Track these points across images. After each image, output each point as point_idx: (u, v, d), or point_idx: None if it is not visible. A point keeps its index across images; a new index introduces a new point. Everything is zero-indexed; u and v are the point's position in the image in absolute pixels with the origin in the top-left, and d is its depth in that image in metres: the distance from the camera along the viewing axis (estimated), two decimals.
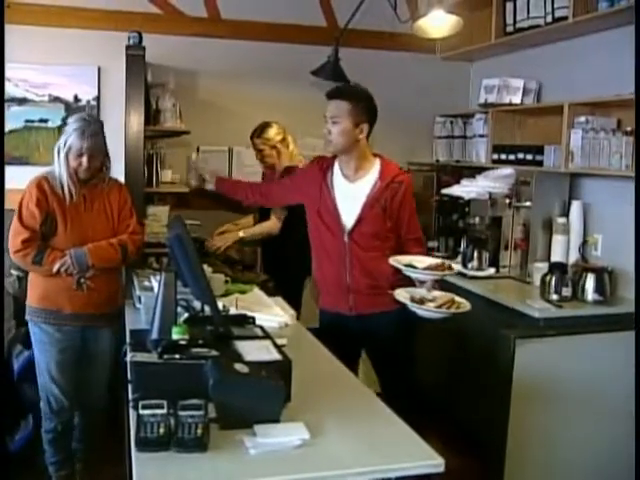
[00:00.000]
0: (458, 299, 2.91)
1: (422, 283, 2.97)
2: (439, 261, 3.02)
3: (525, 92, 4.45)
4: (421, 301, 2.87)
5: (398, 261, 2.96)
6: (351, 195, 3.09)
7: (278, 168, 4.27)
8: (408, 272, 2.90)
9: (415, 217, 3.20)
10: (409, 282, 2.99)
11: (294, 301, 3.64)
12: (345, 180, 3.13)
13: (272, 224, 4.21)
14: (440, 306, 2.84)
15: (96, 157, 3.13)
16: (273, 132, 4.26)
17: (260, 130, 4.29)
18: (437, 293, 2.96)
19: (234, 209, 4.84)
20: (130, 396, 1.92)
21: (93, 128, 3.11)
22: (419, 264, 2.97)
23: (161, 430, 1.74)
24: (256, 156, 4.39)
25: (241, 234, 4.22)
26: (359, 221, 3.06)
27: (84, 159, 3.08)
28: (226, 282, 3.33)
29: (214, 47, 4.79)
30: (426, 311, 2.84)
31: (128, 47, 3.80)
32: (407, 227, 3.15)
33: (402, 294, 2.92)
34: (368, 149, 3.13)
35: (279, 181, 3.76)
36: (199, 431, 1.75)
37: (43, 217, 3.08)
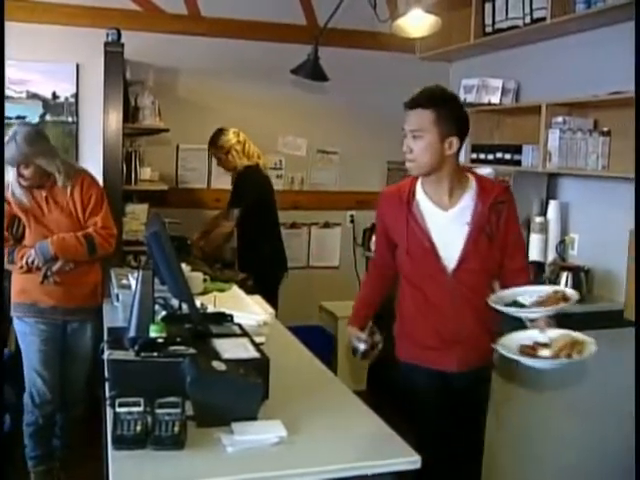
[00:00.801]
0: (579, 336, 2.28)
1: (533, 322, 2.39)
2: (550, 289, 2.43)
3: (504, 92, 4.47)
4: (534, 349, 2.24)
5: (500, 299, 2.40)
6: (448, 226, 2.52)
7: (239, 169, 4.31)
8: (513, 313, 2.35)
9: (522, 240, 2.72)
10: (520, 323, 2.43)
11: (271, 298, 3.64)
12: (437, 208, 2.55)
13: (221, 226, 4.32)
14: (558, 354, 2.19)
15: (26, 167, 3.11)
16: (225, 138, 4.33)
17: (213, 138, 4.36)
18: (554, 333, 2.31)
19: (215, 205, 4.85)
20: (107, 394, 1.91)
21: (18, 139, 3.07)
22: (526, 298, 2.40)
23: (138, 428, 1.74)
24: (217, 164, 4.47)
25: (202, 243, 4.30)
26: (464, 257, 2.49)
27: (22, 169, 3.11)
28: (205, 280, 3.33)
29: (194, 45, 4.77)
30: (543, 362, 2.20)
31: (107, 44, 3.79)
32: (512, 253, 2.59)
33: (507, 344, 2.29)
34: (460, 167, 2.60)
35: (379, 249, 2.93)
36: (176, 429, 1.75)
37: (9, 221, 3.18)
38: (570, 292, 2.38)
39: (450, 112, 2.49)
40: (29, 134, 3.10)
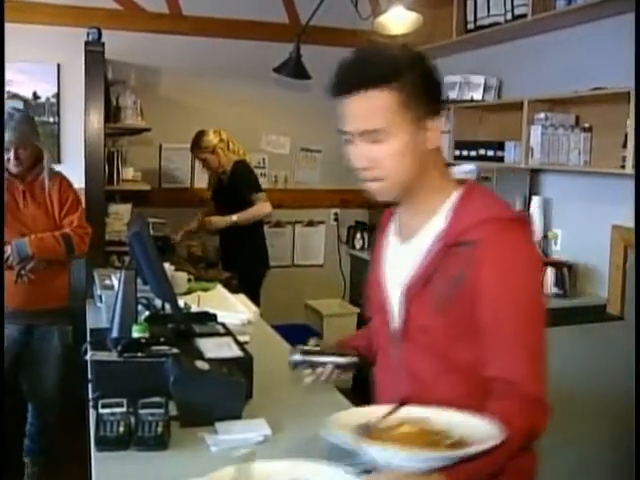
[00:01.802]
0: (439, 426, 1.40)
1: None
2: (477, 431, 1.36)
3: (486, 89, 4.48)
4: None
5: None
6: (402, 264, 1.63)
7: (227, 167, 4.30)
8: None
9: (507, 334, 1.45)
10: None
11: (253, 296, 3.65)
12: (396, 236, 1.73)
13: (262, 206, 4.28)
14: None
15: (24, 149, 3.12)
16: (207, 138, 4.33)
17: (195, 140, 4.35)
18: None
19: (199, 204, 4.85)
20: (90, 395, 1.90)
21: (16, 119, 3.10)
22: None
23: (121, 429, 1.72)
24: (202, 166, 4.47)
25: (234, 218, 4.25)
26: (407, 312, 1.59)
27: (11, 153, 3.08)
28: (189, 280, 3.32)
29: (175, 44, 4.76)
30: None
31: (87, 43, 3.77)
32: (487, 348, 1.46)
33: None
34: (443, 169, 1.63)
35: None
36: (159, 429, 1.73)
37: None
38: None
39: (422, 79, 1.51)
40: (25, 116, 3.19)
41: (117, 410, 1.76)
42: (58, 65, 4.51)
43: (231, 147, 4.35)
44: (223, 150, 4.31)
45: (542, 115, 3.75)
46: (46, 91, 4.51)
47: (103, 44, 3.78)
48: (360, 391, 2.91)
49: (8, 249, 3.09)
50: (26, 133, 3.11)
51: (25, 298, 3.15)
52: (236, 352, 2.12)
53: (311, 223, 5.37)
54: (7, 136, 3.04)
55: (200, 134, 4.34)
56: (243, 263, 4.21)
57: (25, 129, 3.11)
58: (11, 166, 3.11)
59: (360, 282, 5.14)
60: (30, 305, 3.17)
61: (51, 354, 3.34)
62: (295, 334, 3.12)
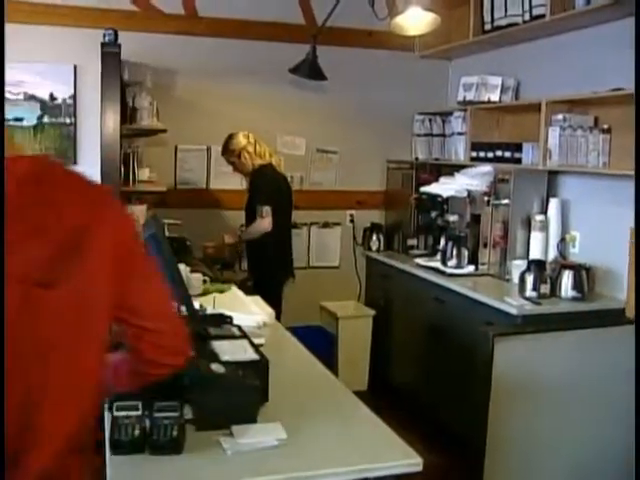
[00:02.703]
0: None
1: None
2: None
3: (503, 90, 4.46)
4: None
5: None
6: None
7: (253, 170, 4.29)
8: None
9: None
10: None
11: (275, 300, 3.63)
12: None
13: (259, 223, 4.20)
14: None
15: None
16: (235, 141, 4.32)
17: (224, 144, 4.36)
18: None
19: (214, 205, 4.85)
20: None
21: None
22: None
23: (136, 432, 1.72)
24: (233, 169, 4.46)
25: (238, 232, 4.29)
26: None
27: None
28: (204, 282, 3.32)
29: (191, 45, 4.76)
30: None
31: (103, 45, 3.77)
32: None
33: None
34: None
35: None
36: (174, 433, 1.73)
37: None
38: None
39: None
40: None
41: (132, 413, 1.76)
42: (75, 66, 4.52)
43: (258, 150, 4.32)
44: (250, 154, 4.29)
45: (560, 116, 3.72)
46: (63, 92, 4.52)
47: (119, 45, 3.79)
48: (376, 393, 2.90)
49: None
50: None
51: None
52: (252, 355, 2.11)
53: (327, 224, 5.35)
54: None
55: (229, 137, 4.34)
56: (266, 267, 4.21)
57: None
58: None
59: (376, 284, 5.18)
60: None
61: None
62: (310, 336, 3.12)
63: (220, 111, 4.80)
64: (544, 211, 4.01)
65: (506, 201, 4.05)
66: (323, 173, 5.28)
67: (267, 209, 4.15)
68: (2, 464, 1.23)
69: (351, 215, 5.39)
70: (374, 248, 5.24)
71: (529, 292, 3.62)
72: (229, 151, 4.32)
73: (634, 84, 2.87)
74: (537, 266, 3.65)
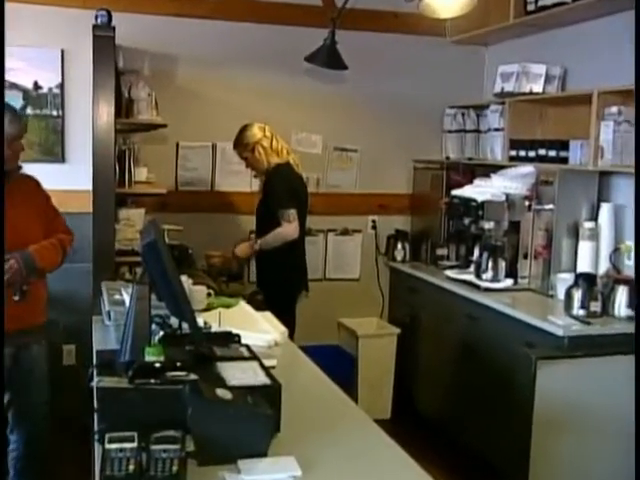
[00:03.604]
0: None
1: None
2: None
3: (548, 79, 4.44)
4: None
5: None
6: None
7: (268, 168, 4.27)
8: None
9: None
10: None
11: (287, 317, 3.62)
12: None
13: (285, 228, 4.16)
14: None
15: (19, 141, 3.16)
16: (249, 134, 4.29)
17: (237, 136, 4.33)
18: None
19: (220, 209, 4.84)
20: (95, 427, 1.88)
21: (12, 107, 3.16)
22: None
23: (130, 467, 1.70)
24: (246, 166, 4.44)
25: (256, 246, 4.21)
26: None
27: (20, 142, 3.12)
28: (209, 295, 3.31)
29: (195, 29, 4.76)
30: None
31: (95, 27, 3.78)
32: None
33: None
34: None
35: None
36: (174, 468, 1.71)
37: None
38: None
39: None
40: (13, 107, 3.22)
41: (126, 445, 1.74)
42: (62, 51, 4.51)
43: (274, 146, 4.30)
44: (265, 149, 4.26)
45: (614, 109, 3.69)
46: (48, 81, 4.50)
47: (113, 28, 3.79)
48: (401, 422, 2.88)
49: (14, 264, 3.01)
50: (24, 124, 3.16)
51: (10, 317, 2.98)
52: (262, 379, 2.10)
53: (345, 231, 5.33)
54: (16, 126, 3.06)
55: (243, 128, 4.32)
56: (277, 281, 4.19)
57: (21, 120, 3.16)
58: (13, 159, 3.11)
59: (401, 299, 5.15)
60: (13, 325, 3.02)
61: (36, 378, 3.32)
62: (327, 357, 3.11)
63: (227, 104, 4.80)
64: (594, 217, 3.97)
65: (550, 206, 4.03)
66: (342, 174, 5.27)
67: (293, 213, 4.13)
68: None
69: (373, 221, 5.38)
70: (399, 258, 5.23)
71: (577, 310, 3.58)
72: (242, 144, 4.31)
73: (634, 83, 2.84)
74: (586, 280, 3.62)
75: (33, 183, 3.33)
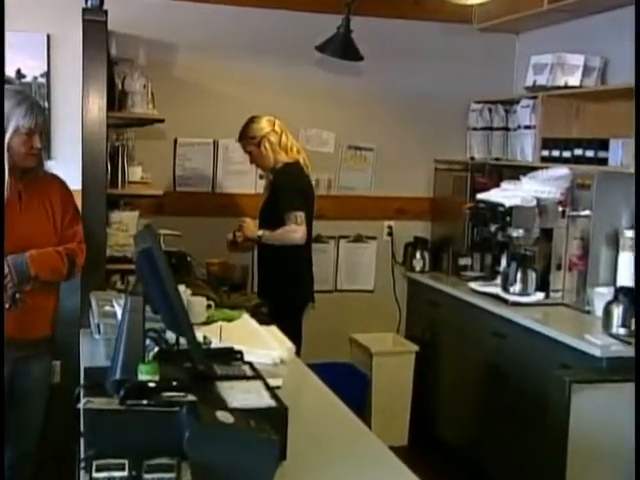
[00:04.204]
0: None
1: None
2: None
3: (586, 71, 4.43)
4: None
5: None
6: None
7: (276, 166, 4.26)
8: None
9: None
10: None
11: (294, 331, 3.61)
12: None
13: (293, 229, 4.14)
14: None
15: (43, 137, 3.16)
16: (257, 126, 4.30)
17: (243, 128, 4.34)
18: None
19: (222, 213, 4.83)
20: (82, 454, 1.87)
21: (35, 100, 3.15)
22: None
23: None
24: (250, 162, 4.45)
25: (260, 232, 4.22)
26: None
27: (36, 139, 3.09)
28: (209, 307, 3.31)
29: (195, 13, 4.78)
30: None
31: (85, 10, 3.78)
32: None
33: None
34: None
35: None
36: None
37: None
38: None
39: None
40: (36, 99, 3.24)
41: (116, 474, 1.74)
42: (48, 36, 4.51)
43: (283, 142, 4.30)
44: (272, 145, 4.26)
45: None
46: (33, 69, 4.50)
47: (106, 12, 3.79)
48: (419, 449, 2.87)
49: (4, 269, 3.02)
50: (46, 120, 3.16)
51: (8, 326, 3.02)
52: (267, 401, 2.10)
53: (359, 238, 5.33)
54: (30, 120, 3.05)
55: (250, 120, 4.33)
56: (281, 292, 4.19)
57: (43, 114, 3.15)
58: (30, 157, 3.11)
59: (419, 313, 5.14)
60: (12, 335, 3.05)
61: (34, 394, 3.33)
62: (338, 376, 3.11)
63: (230, 96, 4.81)
64: (636, 226, 3.94)
65: (586, 212, 4.02)
66: (356, 175, 5.27)
67: (301, 215, 4.12)
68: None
69: (389, 227, 5.38)
70: (417, 268, 5.23)
71: (616, 328, 3.56)
72: (247, 137, 4.31)
73: (634, 81, 2.83)
74: (627, 295, 3.60)
75: (56, 185, 3.32)
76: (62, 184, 3.36)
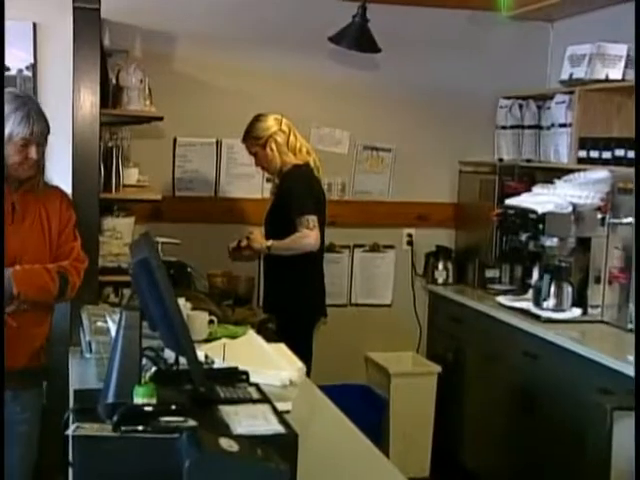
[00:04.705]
0: None
1: None
2: None
3: (629, 63, 4.40)
4: None
5: None
6: None
7: (283, 169, 4.26)
8: None
9: None
10: None
11: (304, 350, 3.62)
12: None
13: (305, 235, 4.13)
14: None
15: (42, 146, 3.16)
16: (263, 125, 4.31)
17: (248, 127, 4.35)
18: None
19: (225, 219, 4.83)
20: None
21: (36, 107, 3.14)
22: None
23: None
24: (255, 164, 4.47)
25: (269, 243, 4.21)
26: None
27: (32, 149, 3.09)
28: (211, 323, 3.31)
29: (196, 1, 4.78)
30: None
31: None
32: None
33: None
34: None
35: None
36: None
37: None
38: None
39: None
40: (35, 100, 3.23)
41: None
42: (34, 25, 4.52)
43: (292, 143, 4.30)
44: (279, 146, 4.27)
45: None
46: (18, 61, 4.50)
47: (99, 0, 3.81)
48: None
49: None
50: (47, 129, 3.15)
51: None
52: (275, 427, 2.08)
53: (376, 247, 5.34)
54: (27, 128, 3.06)
55: (255, 119, 4.34)
56: (290, 305, 4.19)
57: (46, 123, 3.15)
58: (26, 168, 3.12)
59: (442, 330, 5.12)
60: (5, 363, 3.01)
61: (23, 429, 3.32)
62: (352, 399, 3.10)
63: (234, 92, 4.83)
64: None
65: (629, 220, 4.00)
66: (372, 178, 5.28)
67: (314, 220, 4.12)
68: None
69: (409, 235, 5.39)
70: (440, 281, 5.24)
71: None
72: (252, 137, 4.32)
73: (634, 80, 2.80)
74: None
75: (55, 198, 3.32)
76: (62, 197, 3.37)
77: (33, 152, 3.09)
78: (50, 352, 3.39)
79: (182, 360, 2.33)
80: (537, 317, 4.18)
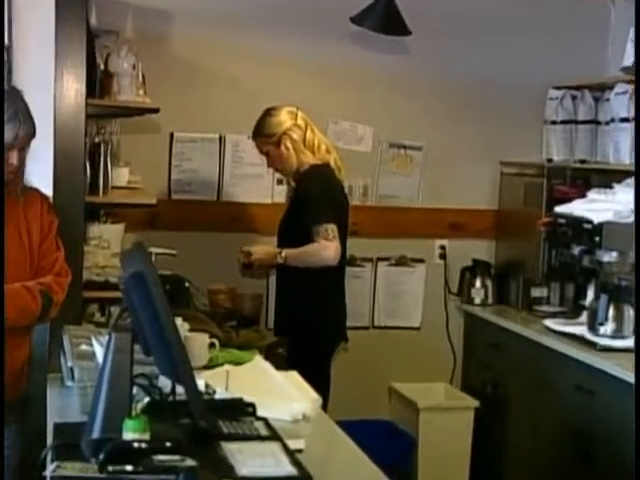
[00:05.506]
0: None
1: None
2: None
3: None
4: None
5: None
6: None
7: (300, 170, 4.26)
8: None
9: None
10: None
11: (320, 379, 3.63)
12: None
13: (323, 246, 4.12)
14: None
15: (24, 151, 3.17)
16: (275, 120, 4.29)
17: (257, 123, 4.35)
18: None
19: (229, 227, 4.84)
20: None
21: (24, 104, 3.17)
22: None
23: None
24: (267, 165, 4.48)
25: (283, 254, 4.19)
26: None
27: (14, 155, 3.11)
28: (212, 346, 3.32)
29: None
30: None
31: None
32: None
33: None
34: None
35: None
36: None
37: None
38: None
39: None
40: (26, 103, 3.24)
41: None
42: (10, 1, 4.53)
43: (309, 139, 4.30)
44: (294, 144, 4.26)
45: None
46: None
47: None
48: None
49: None
50: (33, 130, 3.18)
51: None
52: (286, 468, 2.11)
53: (403, 261, 5.35)
54: (11, 131, 3.09)
55: (267, 113, 4.33)
56: (305, 327, 4.19)
57: (32, 126, 3.18)
58: (5, 174, 3.13)
59: (480, 357, 5.12)
60: None
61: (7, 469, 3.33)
62: (375, 436, 3.10)
63: (241, 80, 4.85)
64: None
65: None
66: (399, 180, 5.29)
67: (334, 229, 4.11)
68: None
69: (442, 247, 5.40)
70: (477, 300, 5.25)
71: None
72: (264, 134, 4.31)
73: (634, 79, 2.79)
74: None
75: (35, 204, 3.33)
76: (43, 200, 3.37)
77: (14, 158, 3.10)
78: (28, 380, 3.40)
79: (179, 389, 2.34)
80: (593, 345, 4.16)
